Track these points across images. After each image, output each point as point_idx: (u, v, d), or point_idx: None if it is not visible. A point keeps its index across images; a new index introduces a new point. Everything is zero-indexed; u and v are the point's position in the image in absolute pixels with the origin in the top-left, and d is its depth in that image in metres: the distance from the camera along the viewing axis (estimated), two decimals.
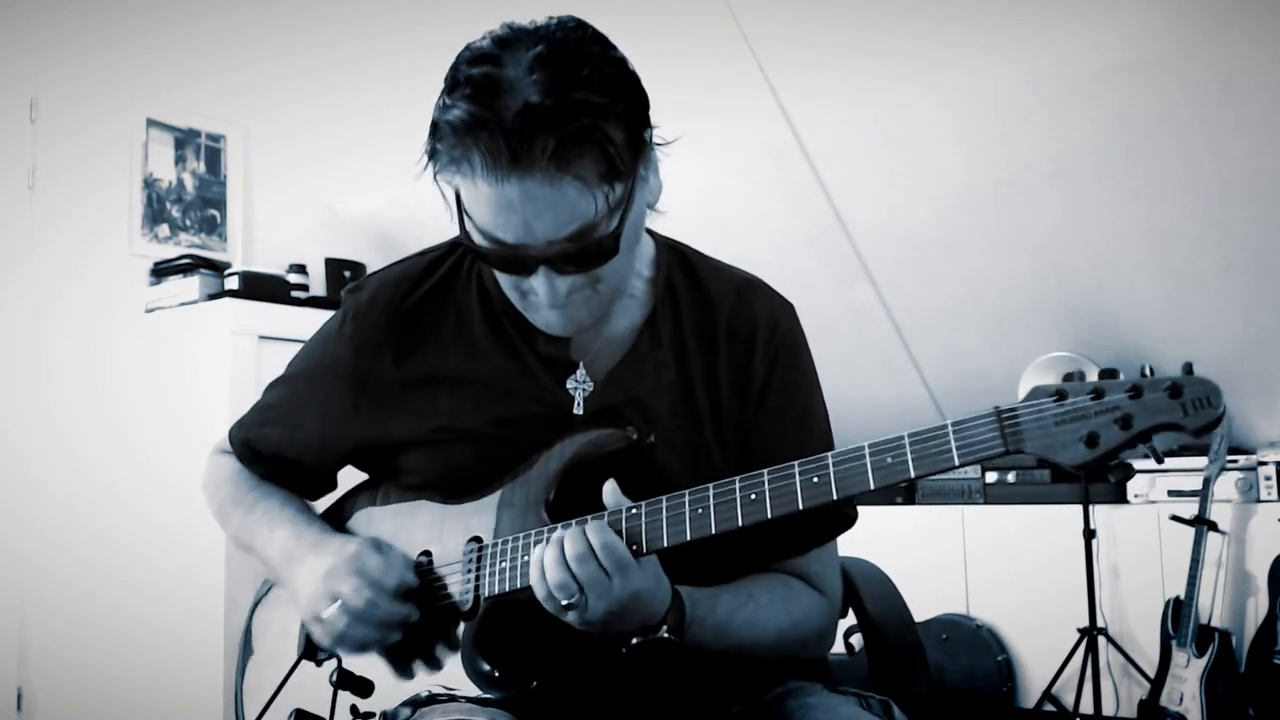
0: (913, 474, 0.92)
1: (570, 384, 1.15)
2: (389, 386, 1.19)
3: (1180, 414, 0.84)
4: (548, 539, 1.03)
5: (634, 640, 1.03)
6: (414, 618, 1.12)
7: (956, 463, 0.90)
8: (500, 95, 0.94)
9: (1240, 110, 2.70)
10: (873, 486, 0.93)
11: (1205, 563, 3.11)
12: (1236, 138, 2.76)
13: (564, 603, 0.99)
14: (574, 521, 1.05)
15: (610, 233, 1.00)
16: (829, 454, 0.96)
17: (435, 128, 0.99)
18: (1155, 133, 2.83)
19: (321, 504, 1.33)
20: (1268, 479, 3.20)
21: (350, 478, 1.32)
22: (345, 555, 1.13)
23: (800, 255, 3.52)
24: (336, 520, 1.28)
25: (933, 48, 2.82)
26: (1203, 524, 3.12)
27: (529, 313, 1.08)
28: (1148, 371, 0.88)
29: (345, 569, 1.12)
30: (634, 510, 1.02)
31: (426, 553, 1.18)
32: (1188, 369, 0.86)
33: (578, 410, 1.14)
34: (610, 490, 1.04)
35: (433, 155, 1.00)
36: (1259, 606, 3.13)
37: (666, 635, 1.03)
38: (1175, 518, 3.17)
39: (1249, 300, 3.11)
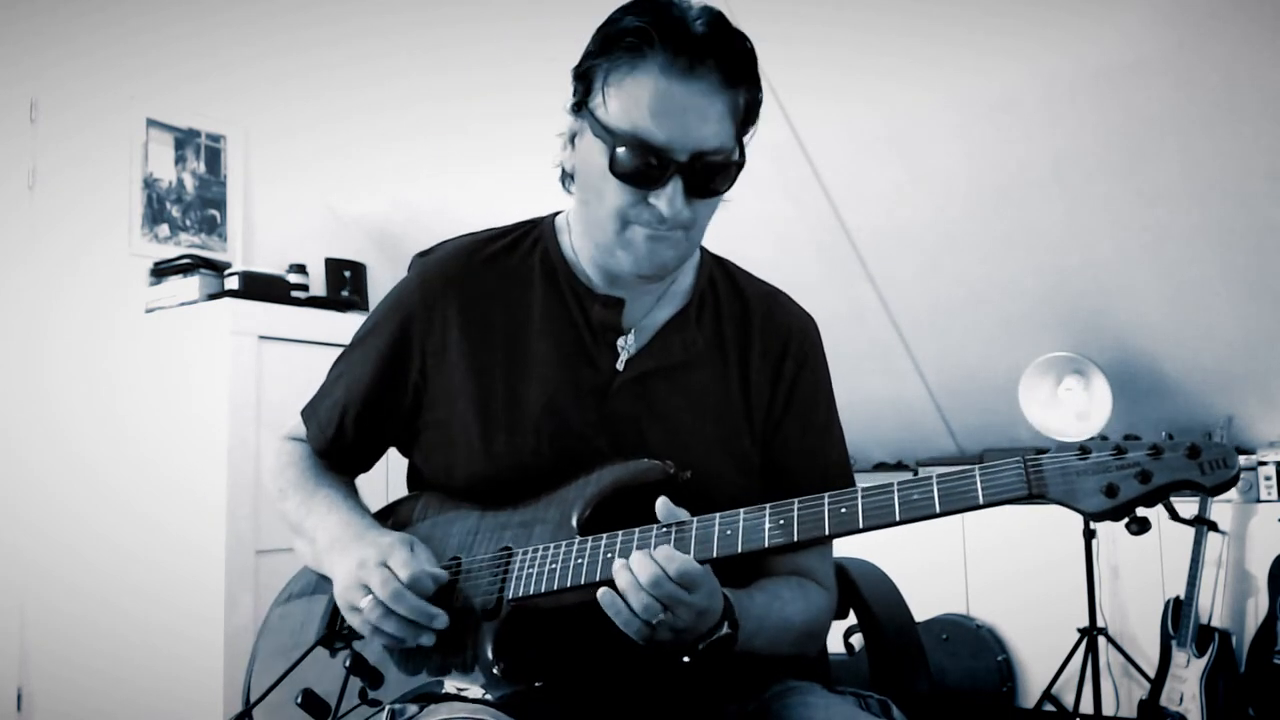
0: (938, 510, 0.96)
1: (620, 343, 1.24)
2: (441, 341, 1.25)
3: (1197, 473, 0.89)
4: (595, 555, 1.09)
5: (700, 645, 1.05)
6: (438, 621, 1.12)
7: (981, 502, 0.94)
8: (677, 19, 1.09)
9: (1240, 110, 2.69)
10: (898, 519, 0.97)
11: (1205, 563, 3.11)
12: (1236, 138, 2.76)
13: (655, 620, 1.01)
14: (617, 536, 1.08)
15: (735, 163, 1.13)
16: (858, 489, 1.01)
17: (614, 35, 1.10)
18: (1155, 133, 2.83)
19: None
20: (1268, 479, 3.20)
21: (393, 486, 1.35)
22: (379, 548, 1.16)
23: (801, 255, 3.52)
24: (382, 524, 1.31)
25: (933, 48, 2.82)
26: (1203, 524, 3.12)
27: (620, 248, 1.16)
28: (1169, 437, 0.93)
29: (374, 561, 1.14)
30: (665, 530, 1.06)
31: (456, 558, 1.20)
32: (1207, 436, 0.91)
33: (620, 367, 1.22)
34: (663, 505, 1.07)
35: (602, 61, 1.11)
36: (1259, 606, 3.13)
37: (728, 631, 1.06)
38: (1175, 517, 3.16)
39: (1249, 300, 3.11)
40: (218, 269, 3.38)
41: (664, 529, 1.05)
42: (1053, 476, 0.92)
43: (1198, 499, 3.16)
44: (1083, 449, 0.92)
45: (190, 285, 3.32)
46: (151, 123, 3.65)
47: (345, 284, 3.97)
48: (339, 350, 1.39)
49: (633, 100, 1.09)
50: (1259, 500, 3.21)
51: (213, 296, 3.26)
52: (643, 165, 1.10)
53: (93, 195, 3.50)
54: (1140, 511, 0.92)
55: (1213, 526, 3.15)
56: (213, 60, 3.74)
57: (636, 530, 1.07)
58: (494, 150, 3.47)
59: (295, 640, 1.28)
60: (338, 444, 1.34)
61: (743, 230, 3.47)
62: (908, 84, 2.94)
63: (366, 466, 1.39)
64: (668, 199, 1.10)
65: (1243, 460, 3.26)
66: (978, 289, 3.44)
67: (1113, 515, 0.91)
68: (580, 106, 1.14)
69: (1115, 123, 2.84)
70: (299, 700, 1.17)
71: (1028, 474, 0.92)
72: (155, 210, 3.64)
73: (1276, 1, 2.46)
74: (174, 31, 3.64)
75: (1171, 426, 3.42)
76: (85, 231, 3.47)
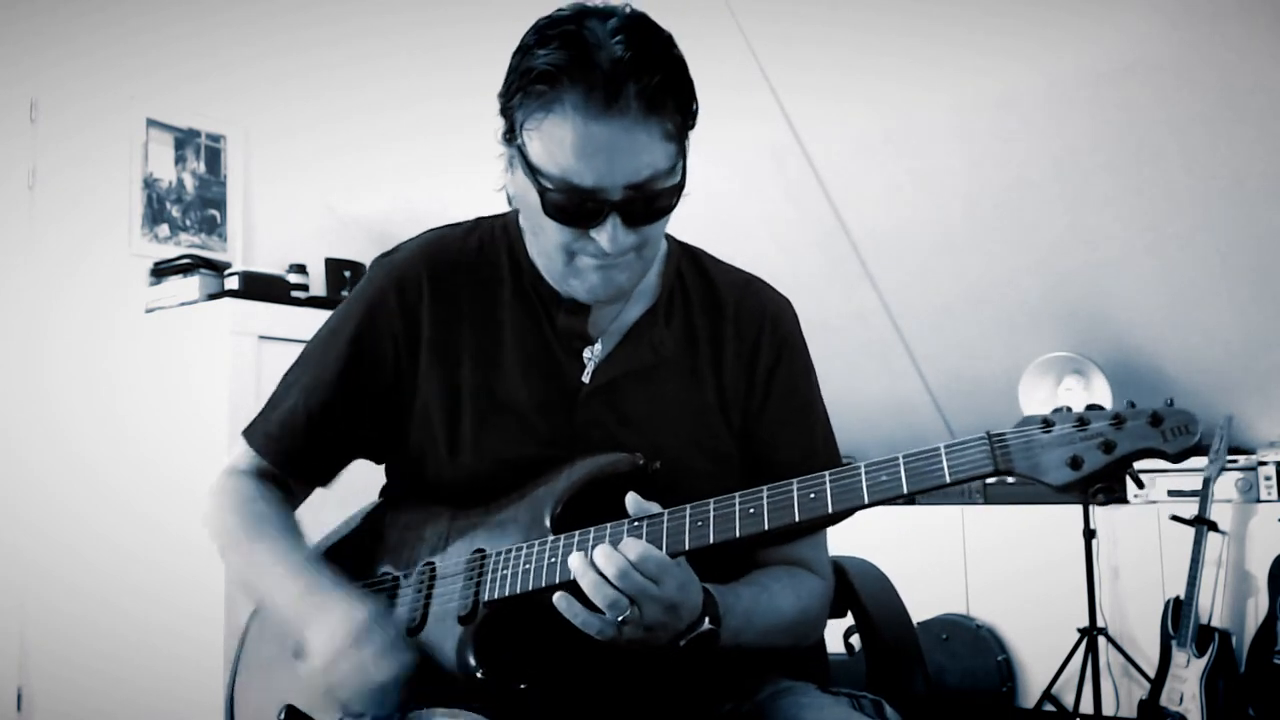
0: (905, 490, 0.95)
1: (586, 354, 1.20)
2: (413, 340, 1.22)
3: (1160, 440, 0.89)
4: (559, 555, 1.06)
5: (681, 642, 1.04)
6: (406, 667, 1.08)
7: (948, 480, 0.94)
8: (589, 47, 1.02)
9: (1240, 110, 2.69)
10: (866, 501, 0.97)
11: (1205, 563, 3.10)
12: (1236, 138, 2.76)
13: (620, 619, 1.00)
14: (590, 532, 1.06)
15: (675, 184, 1.08)
16: (826, 473, 1.00)
17: (524, 74, 1.04)
18: (1156, 133, 2.82)
19: (339, 515, 1.33)
20: (1268, 479, 3.20)
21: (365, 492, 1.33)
22: (343, 638, 1.09)
23: (801, 256, 3.52)
24: (347, 530, 1.29)
25: (934, 49, 2.82)
26: (1203, 524, 3.12)
27: (572, 277, 1.12)
28: (1131, 405, 0.93)
29: (345, 666, 1.08)
30: (636, 525, 1.04)
31: (430, 563, 1.19)
32: (1169, 402, 0.91)
33: (586, 379, 1.19)
34: (632, 500, 1.06)
35: (518, 102, 1.06)
36: (1259, 606, 3.13)
37: (709, 626, 1.05)
38: (1175, 518, 3.17)
39: (1249, 300, 3.11)
40: (218, 269, 3.38)
41: (635, 523, 1.04)
42: (1018, 451, 0.92)
43: (1197, 499, 3.16)
44: (1046, 422, 0.92)
45: (190, 285, 3.33)
46: (151, 123, 3.65)
47: (345, 284, 3.97)
48: None
49: (554, 143, 1.03)
50: (1259, 500, 3.21)
51: (213, 296, 3.26)
52: (575, 207, 1.05)
53: (93, 195, 3.50)
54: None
55: (1213, 526, 3.14)
56: (213, 60, 3.74)
57: (609, 526, 1.05)
58: (494, 150, 3.47)
59: (275, 651, 1.26)
60: (291, 453, 1.25)
61: (743, 230, 3.48)
62: (908, 84, 2.94)
63: (325, 479, 1.29)
64: (608, 235, 1.06)
65: (1242, 460, 3.26)
66: (978, 289, 3.44)
67: (1078, 486, 0.91)
68: (511, 136, 1.09)
69: (1115, 123, 2.84)
70: (282, 717, 1.15)
71: (993, 450, 0.93)
72: (155, 210, 3.64)
73: (1277, 2, 2.46)
74: (174, 31, 3.64)
75: None
76: (85, 231, 3.47)
